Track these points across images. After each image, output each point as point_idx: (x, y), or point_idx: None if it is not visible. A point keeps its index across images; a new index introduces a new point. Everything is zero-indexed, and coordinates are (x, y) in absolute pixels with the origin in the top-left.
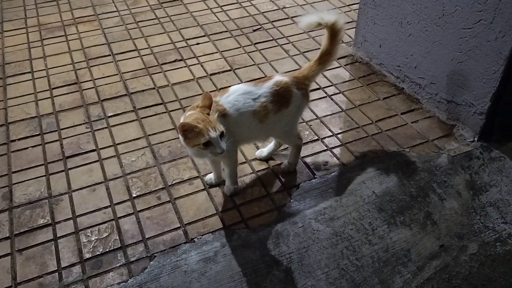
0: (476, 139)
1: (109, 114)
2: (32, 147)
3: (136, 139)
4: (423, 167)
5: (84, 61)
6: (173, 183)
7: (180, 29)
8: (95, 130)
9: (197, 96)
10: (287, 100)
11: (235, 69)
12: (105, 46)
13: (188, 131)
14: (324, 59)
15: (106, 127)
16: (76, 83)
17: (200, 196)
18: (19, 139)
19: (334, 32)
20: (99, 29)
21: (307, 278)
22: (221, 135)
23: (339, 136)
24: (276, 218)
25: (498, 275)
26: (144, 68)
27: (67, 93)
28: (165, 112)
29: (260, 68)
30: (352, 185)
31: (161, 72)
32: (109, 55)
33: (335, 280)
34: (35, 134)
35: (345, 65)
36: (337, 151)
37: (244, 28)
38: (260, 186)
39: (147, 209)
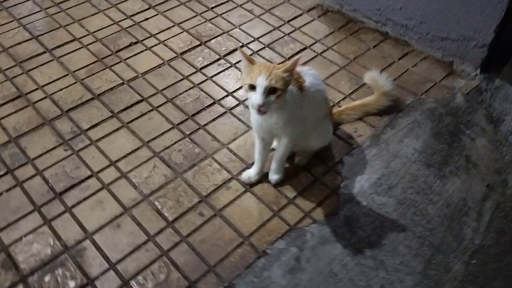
0: (478, 72)
1: (85, 127)
2: (6, 191)
3: (135, 150)
4: (446, 111)
5: (16, 65)
6: (208, 192)
7: (115, 4)
8: (78, 150)
9: (179, 82)
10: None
11: (206, 41)
12: (32, 41)
13: (246, 64)
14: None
15: (90, 144)
16: (20, 96)
17: (245, 200)
18: None
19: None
20: (12, 20)
21: (393, 257)
22: (272, 91)
23: (352, 96)
24: (338, 203)
25: None
26: (97, 61)
27: (15, 111)
28: (152, 110)
29: (232, 36)
30: (392, 146)
31: (120, 61)
32: (45, 51)
33: (418, 250)
34: (1, 174)
35: (318, 18)
36: None
37: None
38: (304, 172)
39: (194, 231)
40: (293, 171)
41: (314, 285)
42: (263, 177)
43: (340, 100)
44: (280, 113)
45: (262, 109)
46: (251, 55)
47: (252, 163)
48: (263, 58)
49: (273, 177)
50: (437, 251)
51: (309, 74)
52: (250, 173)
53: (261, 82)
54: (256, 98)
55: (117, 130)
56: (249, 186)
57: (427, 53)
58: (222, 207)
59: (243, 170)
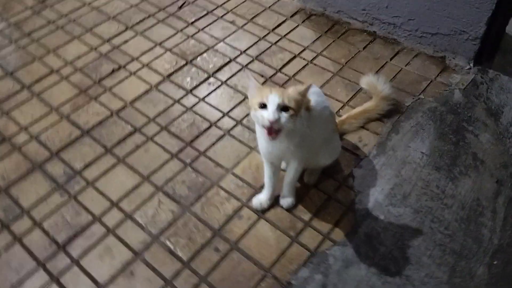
0: (472, 65)
1: (79, 167)
2: (5, 249)
3: (136, 186)
4: (447, 109)
5: None
6: (220, 224)
7: (91, 28)
8: (75, 194)
9: (170, 107)
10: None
11: (191, 60)
12: (7, 78)
13: (254, 85)
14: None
15: (86, 185)
16: (3, 140)
17: (260, 228)
18: None
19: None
20: None
21: (418, 270)
22: (284, 108)
23: (350, 103)
24: (355, 220)
25: None
26: (80, 93)
27: (0, 158)
28: (147, 140)
29: (218, 51)
30: (400, 153)
31: (105, 91)
32: (22, 88)
33: (441, 259)
34: None
35: (302, 23)
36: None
37: (167, 7)
38: (315, 190)
39: (213, 269)
40: (304, 190)
41: None
42: (274, 201)
43: (339, 109)
44: (290, 138)
45: (274, 126)
46: (240, 69)
47: (261, 187)
48: (253, 71)
49: (286, 201)
50: (459, 257)
51: (312, 92)
52: (262, 199)
53: (273, 99)
54: (268, 114)
55: (113, 167)
56: (262, 212)
57: (418, 50)
58: (237, 239)
59: (253, 195)
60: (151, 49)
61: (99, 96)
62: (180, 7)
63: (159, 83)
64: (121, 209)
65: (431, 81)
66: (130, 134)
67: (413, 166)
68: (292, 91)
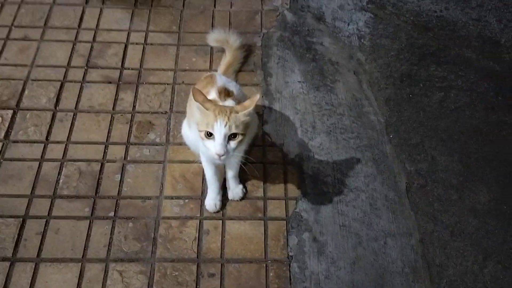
0: None
1: None
2: None
3: (81, 274)
4: (289, 33)
5: None
6: (196, 251)
7: None
8: None
9: (39, 170)
10: None
11: (17, 105)
12: None
13: (198, 107)
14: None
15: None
16: None
17: (232, 229)
18: None
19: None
20: None
21: (358, 177)
22: (232, 136)
23: (214, 68)
24: (296, 170)
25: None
26: None
27: None
28: (48, 221)
29: (37, 79)
30: (285, 92)
31: None
32: None
33: (364, 158)
34: None
35: (104, 5)
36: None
37: None
38: (248, 165)
39: None
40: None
41: (341, 248)
42: (226, 200)
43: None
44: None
45: (221, 158)
46: (81, 87)
47: (203, 191)
48: (96, 82)
49: (237, 192)
50: (371, 148)
51: (226, 81)
52: (214, 198)
53: (220, 129)
54: (215, 147)
55: (35, 272)
56: (222, 213)
57: None
58: (221, 253)
59: (201, 205)
60: None
61: None
62: None
63: (3, 151)
64: None
65: (260, 13)
66: (21, 226)
67: (301, 97)
68: (239, 111)
